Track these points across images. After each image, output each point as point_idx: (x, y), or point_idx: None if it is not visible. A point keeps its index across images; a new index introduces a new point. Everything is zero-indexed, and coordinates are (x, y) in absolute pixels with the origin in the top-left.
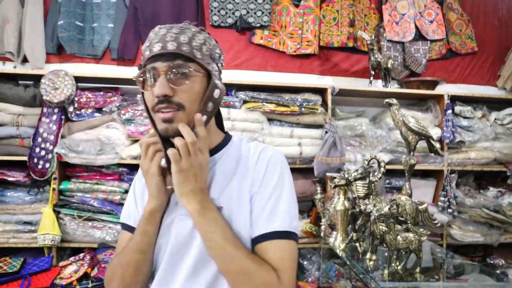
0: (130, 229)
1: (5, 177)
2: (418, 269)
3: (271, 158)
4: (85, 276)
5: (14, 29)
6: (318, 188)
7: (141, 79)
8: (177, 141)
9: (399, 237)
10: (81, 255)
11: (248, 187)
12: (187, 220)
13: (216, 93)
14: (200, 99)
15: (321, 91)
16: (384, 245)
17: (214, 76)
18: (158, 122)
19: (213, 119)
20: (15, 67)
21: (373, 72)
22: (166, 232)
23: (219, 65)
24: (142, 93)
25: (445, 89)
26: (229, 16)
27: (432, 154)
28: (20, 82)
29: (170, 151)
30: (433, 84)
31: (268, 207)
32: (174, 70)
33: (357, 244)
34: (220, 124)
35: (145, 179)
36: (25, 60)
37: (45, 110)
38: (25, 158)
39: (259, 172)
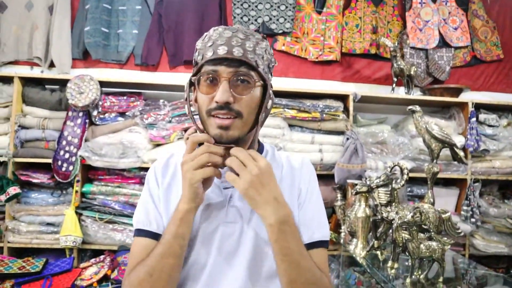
0: (153, 236)
1: (30, 179)
2: (441, 279)
3: (313, 171)
4: (105, 278)
5: (42, 35)
6: (339, 195)
7: (201, 79)
8: (236, 151)
9: (422, 245)
10: (102, 257)
11: (296, 196)
12: (234, 227)
13: (270, 104)
14: (256, 108)
15: (342, 98)
16: (406, 254)
17: (270, 87)
18: (213, 127)
19: None
20: (42, 71)
21: (395, 79)
22: (208, 240)
23: (271, 74)
24: (189, 93)
25: (469, 97)
26: (252, 23)
27: (455, 162)
28: (46, 86)
29: (231, 161)
30: (457, 92)
31: (315, 217)
32: (238, 77)
33: (378, 252)
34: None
35: (185, 181)
36: (51, 65)
37: (70, 113)
38: (49, 161)
39: (305, 183)
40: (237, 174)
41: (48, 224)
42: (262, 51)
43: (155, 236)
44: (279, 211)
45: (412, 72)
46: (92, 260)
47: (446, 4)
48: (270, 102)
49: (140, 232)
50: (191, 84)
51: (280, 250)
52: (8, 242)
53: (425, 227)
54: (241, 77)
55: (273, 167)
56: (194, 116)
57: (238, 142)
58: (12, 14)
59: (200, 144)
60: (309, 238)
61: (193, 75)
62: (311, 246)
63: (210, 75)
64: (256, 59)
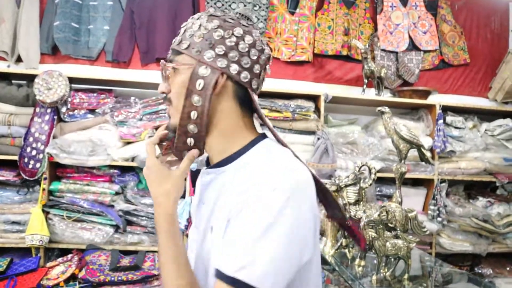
0: None
1: None
2: (406, 276)
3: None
4: (73, 277)
5: (9, 29)
6: None
7: None
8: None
9: (388, 243)
10: (69, 256)
11: (232, 211)
12: (198, 233)
13: (199, 83)
14: (184, 92)
15: (314, 98)
16: (373, 252)
17: (200, 64)
18: None
19: (239, 119)
20: (8, 66)
21: (366, 81)
22: (190, 247)
23: (224, 48)
24: None
25: (437, 99)
26: None
27: (423, 163)
28: (13, 81)
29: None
30: (425, 94)
31: (240, 240)
32: (165, 67)
33: (346, 250)
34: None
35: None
36: (19, 60)
37: (37, 110)
38: (15, 158)
39: (245, 202)
40: None
41: (14, 222)
42: (194, 30)
43: None
44: (158, 210)
45: (382, 74)
46: (59, 259)
47: (416, 8)
48: (199, 81)
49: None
50: None
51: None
52: None
53: (392, 225)
54: (166, 66)
55: (235, 173)
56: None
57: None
58: None
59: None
60: (224, 268)
61: None
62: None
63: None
64: (182, 41)
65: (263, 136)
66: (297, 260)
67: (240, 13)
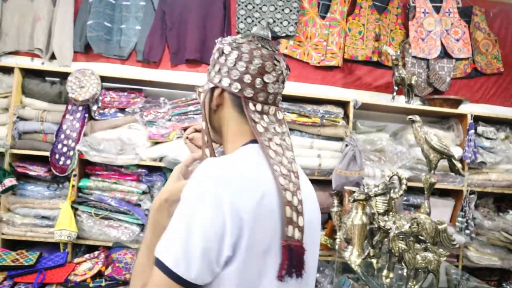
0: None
1: (27, 171)
2: None
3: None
4: (99, 274)
5: (44, 27)
6: (335, 201)
7: None
8: None
9: (418, 256)
10: (96, 253)
11: None
12: None
13: (202, 98)
14: (207, 113)
15: (343, 104)
16: (402, 264)
17: (207, 84)
18: None
19: (238, 125)
20: (43, 63)
21: (396, 88)
22: None
23: (218, 66)
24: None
25: (469, 109)
26: (255, 24)
27: (452, 173)
28: (47, 78)
29: None
30: (456, 103)
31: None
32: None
33: (374, 260)
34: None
35: None
36: (52, 57)
37: (69, 107)
38: (47, 154)
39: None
40: None
41: (43, 217)
42: (212, 57)
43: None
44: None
45: (413, 82)
46: (86, 256)
47: (449, 15)
48: (202, 96)
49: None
50: None
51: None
52: (2, 233)
53: (422, 237)
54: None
55: None
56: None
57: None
58: (14, 4)
59: None
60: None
61: None
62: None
63: None
64: (209, 72)
65: (252, 142)
66: (206, 250)
67: (253, 35)
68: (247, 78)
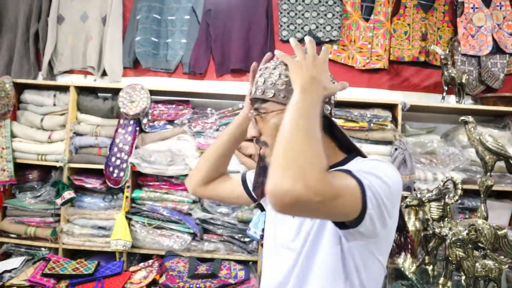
0: None
1: (84, 184)
2: None
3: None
4: (154, 282)
5: (96, 45)
6: None
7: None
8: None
9: (477, 264)
10: (150, 261)
11: None
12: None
13: None
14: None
15: (391, 107)
16: (460, 271)
17: None
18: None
19: (329, 144)
20: (95, 80)
21: (446, 88)
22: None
23: None
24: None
25: None
26: (298, 31)
27: (510, 175)
28: (99, 94)
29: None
30: (511, 100)
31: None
32: (255, 114)
33: (429, 267)
34: (344, 146)
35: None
36: (104, 74)
37: (121, 121)
38: (101, 167)
39: None
40: None
41: (100, 227)
42: (274, 79)
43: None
44: (304, 75)
45: (463, 80)
46: (141, 264)
47: (500, 8)
48: None
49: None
50: None
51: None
52: (63, 243)
53: (481, 244)
54: (257, 113)
55: None
56: None
57: None
58: (68, 25)
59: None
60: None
61: None
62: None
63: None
64: (265, 91)
65: (354, 155)
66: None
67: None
68: (332, 99)
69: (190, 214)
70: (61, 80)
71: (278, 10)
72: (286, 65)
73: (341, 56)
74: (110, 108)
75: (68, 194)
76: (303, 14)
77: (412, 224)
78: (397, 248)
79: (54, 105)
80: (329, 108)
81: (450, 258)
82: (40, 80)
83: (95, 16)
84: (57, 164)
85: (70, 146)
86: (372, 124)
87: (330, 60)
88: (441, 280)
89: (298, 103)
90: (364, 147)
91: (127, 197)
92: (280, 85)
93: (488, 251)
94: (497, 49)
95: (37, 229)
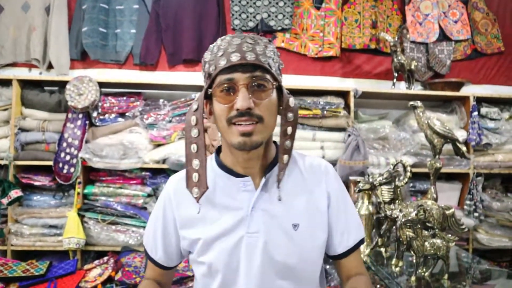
0: (165, 268)
1: (32, 182)
2: (446, 276)
3: (337, 174)
4: (110, 279)
5: (40, 37)
6: None
7: (217, 89)
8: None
9: (426, 243)
10: (105, 258)
11: (324, 198)
12: (258, 238)
13: (291, 101)
14: (275, 111)
15: (343, 94)
16: (411, 252)
17: (283, 87)
18: (235, 135)
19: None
20: (40, 73)
21: (396, 74)
22: (234, 251)
23: (281, 75)
24: (206, 103)
25: (471, 90)
26: (250, 20)
27: (458, 157)
28: (45, 88)
29: None
30: (458, 86)
31: (355, 219)
32: (255, 82)
33: (382, 249)
34: None
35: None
36: (50, 67)
37: (69, 115)
38: (50, 163)
39: (335, 188)
40: None
41: (51, 226)
42: (271, 53)
43: (160, 265)
44: None
45: (412, 67)
46: (96, 262)
47: None
48: (291, 99)
49: (146, 254)
50: (206, 96)
51: None
52: (12, 245)
53: (429, 224)
54: (258, 82)
55: (294, 171)
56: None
57: (259, 146)
58: (9, 15)
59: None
60: (354, 240)
61: (208, 87)
62: (354, 249)
63: (226, 84)
64: (268, 61)
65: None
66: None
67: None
68: None
69: (145, 208)
70: (3, 74)
71: None
72: (272, 44)
73: (294, 45)
74: (58, 101)
75: (15, 193)
76: (254, 3)
77: (365, 208)
78: None
79: None
80: (293, 101)
81: (401, 239)
82: None
83: (38, 5)
84: (2, 162)
85: (16, 143)
86: (325, 112)
87: (283, 48)
88: (394, 260)
89: None
90: (318, 134)
91: (78, 193)
92: (274, 62)
93: (436, 230)
94: (443, 36)
95: None
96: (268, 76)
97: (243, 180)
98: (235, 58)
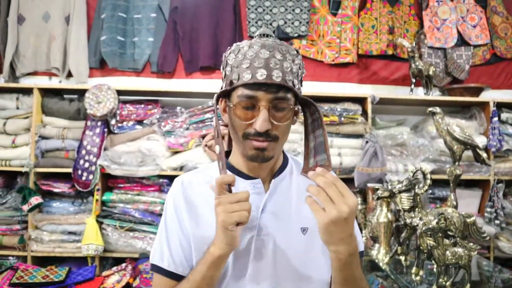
0: (176, 277)
1: (51, 188)
2: (468, 286)
3: None
4: (128, 286)
5: (59, 46)
6: (359, 199)
7: (241, 106)
8: (324, 183)
9: (448, 252)
10: (123, 265)
11: None
12: (268, 240)
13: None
14: (290, 127)
15: (360, 100)
16: (432, 260)
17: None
18: (249, 148)
19: None
20: (60, 81)
21: (414, 80)
22: (243, 253)
23: (302, 85)
24: (221, 100)
25: (490, 96)
26: (267, 27)
27: (478, 163)
28: (65, 96)
29: (318, 192)
30: (477, 91)
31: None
32: (277, 104)
33: (402, 257)
34: None
35: (220, 224)
36: (69, 75)
37: (88, 123)
38: (69, 170)
39: None
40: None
41: (70, 233)
42: (297, 68)
43: (169, 275)
44: (351, 247)
45: (430, 72)
46: (114, 268)
47: (464, 1)
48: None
49: (153, 268)
50: (220, 97)
51: (344, 277)
52: (32, 251)
53: (450, 233)
54: (280, 104)
55: (301, 175)
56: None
57: (271, 160)
58: (30, 25)
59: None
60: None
61: (226, 93)
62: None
63: (248, 101)
64: (293, 80)
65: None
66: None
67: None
68: None
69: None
70: (24, 82)
71: (245, 6)
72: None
73: (310, 51)
74: (77, 109)
75: (35, 200)
76: (271, 10)
77: (384, 215)
78: None
79: (17, 108)
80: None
81: (421, 248)
82: (1, 83)
83: (58, 15)
84: (23, 169)
85: (36, 150)
86: (342, 118)
87: None
88: (414, 269)
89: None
90: (335, 141)
91: (97, 200)
92: (299, 75)
93: (458, 238)
94: (462, 41)
95: (3, 237)
96: (289, 96)
97: (253, 182)
98: (260, 76)
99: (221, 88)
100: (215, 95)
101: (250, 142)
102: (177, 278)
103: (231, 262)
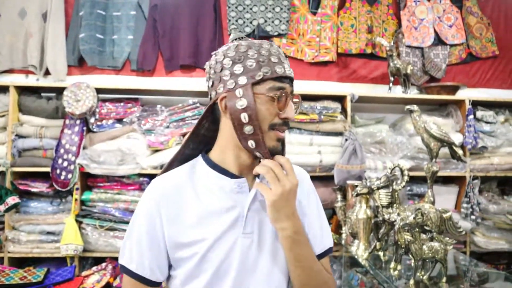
0: (145, 281)
1: (29, 188)
2: (444, 279)
3: (311, 183)
4: (108, 286)
5: (36, 43)
6: (339, 196)
7: (272, 96)
8: (267, 161)
9: (424, 246)
10: (103, 264)
11: (303, 207)
12: (252, 238)
13: None
14: None
15: (340, 99)
16: (409, 255)
17: None
18: (272, 139)
19: None
20: (38, 80)
21: (392, 78)
22: (230, 252)
23: None
24: (222, 98)
25: (466, 94)
26: (247, 25)
27: (454, 160)
28: (42, 94)
29: (266, 171)
30: (453, 89)
31: (323, 227)
32: (292, 97)
33: (380, 253)
34: None
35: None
36: (47, 73)
37: (67, 121)
38: (48, 169)
39: (305, 195)
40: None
41: (48, 233)
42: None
43: (137, 277)
44: (296, 224)
45: (408, 71)
46: (94, 268)
47: (440, 2)
48: None
49: (122, 268)
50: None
51: (294, 257)
52: (9, 252)
53: (427, 228)
54: (295, 97)
55: None
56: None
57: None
58: (5, 22)
59: None
60: (321, 248)
61: (255, 83)
62: (322, 255)
63: (281, 92)
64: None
65: None
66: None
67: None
68: None
69: None
70: (0, 80)
71: (226, 4)
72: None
73: (290, 50)
74: (55, 108)
75: (12, 200)
76: (251, 8)
77: (363, 212)
78: None
79: None
80: None
81: (399, 243)
82: None
83: (35, 12)
84: None
85: (13, 149)
86: (322, 116)
87: None
88: (392, 264)
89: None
90: (315, 139)
91: (76, 199)
92: None
93: (434, 233)
94: (438, 41)
95: None
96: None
97: (238, 182)
98: (288, 70)
99: (220, 89)
100: (242, 93)
101: (275, 133)
102: (146, 281)
103: (216, 260)
